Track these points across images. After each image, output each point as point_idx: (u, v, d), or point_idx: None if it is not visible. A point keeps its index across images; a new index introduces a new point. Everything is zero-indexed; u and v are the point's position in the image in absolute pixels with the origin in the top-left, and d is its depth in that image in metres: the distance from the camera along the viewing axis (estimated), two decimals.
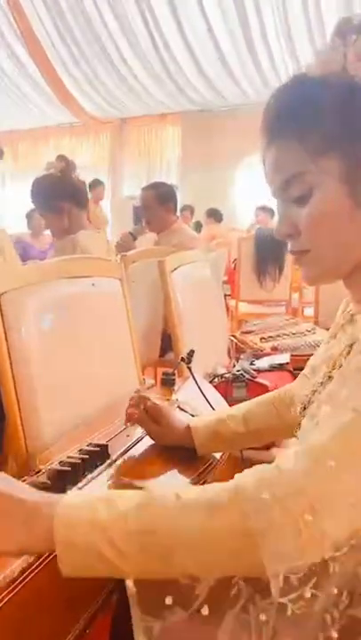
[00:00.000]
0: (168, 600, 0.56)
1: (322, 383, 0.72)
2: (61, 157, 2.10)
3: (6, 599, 0.59)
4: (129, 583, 0.56)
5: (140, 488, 0.81)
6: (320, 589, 0.56)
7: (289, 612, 0.55)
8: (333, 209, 0.65)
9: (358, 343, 0.65)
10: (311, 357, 0.84)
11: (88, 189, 3.66)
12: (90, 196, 4.33)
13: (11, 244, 2.84)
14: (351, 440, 0.56)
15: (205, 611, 0.56)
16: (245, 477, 0.58)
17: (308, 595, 0.55)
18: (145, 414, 0.98)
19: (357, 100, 0.62)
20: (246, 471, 0.59)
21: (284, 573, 0.53)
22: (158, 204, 2.93)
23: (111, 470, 0.87)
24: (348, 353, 0.67)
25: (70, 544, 0.55)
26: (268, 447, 1.29)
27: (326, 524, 0.53)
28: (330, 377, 0.71)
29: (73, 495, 0.60)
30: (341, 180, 0.63)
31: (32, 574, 0.62)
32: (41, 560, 0.63)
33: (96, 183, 6.84)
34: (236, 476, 0.59)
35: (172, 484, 0.86)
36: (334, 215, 0.65)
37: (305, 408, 0.75)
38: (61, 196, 2.05)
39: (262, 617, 0.57)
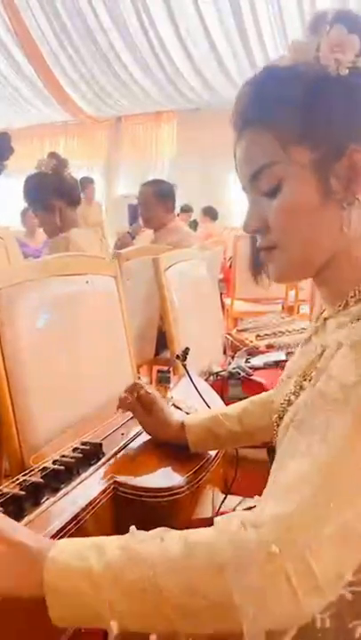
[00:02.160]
0: (153, 638, 0.55)
1: (294, 392, 0.70)
2: (53, 155, 2.10)
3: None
4: (113, 624, 0.52)
5: (135, 486, 0.81)
6: None
7: None
8: (303, 201, 0.63)
9: (324, 357, 0.63)
10: (290, 360, 0.82)
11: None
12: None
13: (15, 242, 2.83)
14: (328, 479, 0.52)
15: None
16: (224, 530, 0.54)
17: None
18: (137, 402, 0.98)
19: (329, 90, 0.61)
20: (226, 517, 0.55)
21: (271, 625, 0.50)
22: (157, 202, 2.92)
23: (105, 469, 0.86)
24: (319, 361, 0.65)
25: (58, 592, 0.52)
26: (263, 445, 1.28)
27: (316, 567, 0.49)
28: (301, 387, 0.69)
29: (64, 543, 0.57)
30: (312, 170, 0.62)
31: None
32: None
33: (85, 181, 6.53)
34: (216, 521, 0.55)
35: (166, 481, 0.85)
36: (303, 208, 0.63)
37: (280, 417, 0.73)
38: (53, 194, 2.05)
39: None
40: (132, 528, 0.57)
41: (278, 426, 0.74)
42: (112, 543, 0.55)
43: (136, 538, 0.56)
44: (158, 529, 0.57)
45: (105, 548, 0.55)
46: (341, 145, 0.61)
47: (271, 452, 0.80)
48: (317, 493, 0.51)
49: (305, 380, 0.68)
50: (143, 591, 0.51)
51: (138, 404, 0.98)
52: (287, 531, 0.50)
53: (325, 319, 0.71)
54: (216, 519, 0.56)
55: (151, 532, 0.57)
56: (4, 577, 0.54)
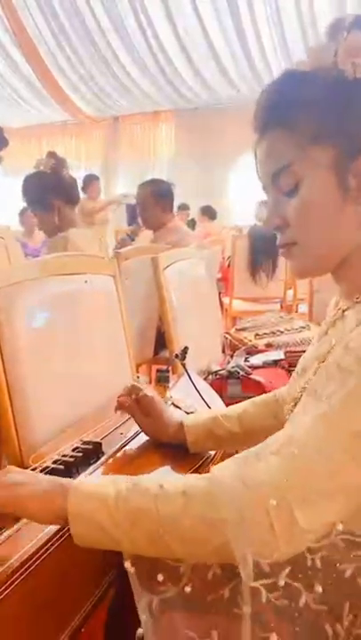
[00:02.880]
0: (160, 577, 0.60)
1: (311, 380, 0.72)
2: (51, 154, 2.10)
3: (4, 594, 0.59)
4: (127, 564, 0.60)
5: None
6: (297, 581, 0.57)
7: (264, 599, 0.56)
8: (322, 199, 0.66)
9: (342, 339, 0.65)
10: (302, 356, 0.84)
11: (82, 186, 3.58)
12: (83, 194, 4.29)
13: (15, 242, 2.84)
14: (322, 431, 0.57)
15: (188, 589, 0.59)
16: (222, 468, 0.61)
17: (281, 582, 0.56)
18: (136, 404, 0.98)
19: (346, 92, 0.64)
20: (226, 461, 0.62)
21: (253, 557, 0.55)
22: (154, 202, 2.92)
23: (105, 468, 0.86)
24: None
25: (79, 516, 0.61)
26: None
27: (298, 513, 0.54)
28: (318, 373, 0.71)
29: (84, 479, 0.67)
30: (330, 170, 0.65)
31: (29, 570, 0.62)
32: (38, 555, 0.64)
33: (90, 178, 6.50)
34: (215, 466, 0.61)
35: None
36: (323, 206, 0.66)
37: (295, 405, 0.75)
38: (51, 193, 2.05)
39: (241, 602, 0.58)
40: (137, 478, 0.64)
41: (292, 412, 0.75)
42: (123, 480, 0.63)
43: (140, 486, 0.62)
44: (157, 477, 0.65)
45: (119, 482, 0.63)
46: (358, 144, 0.64)
47: None
48: (316, 448, 0.56)
49: (323, 363, 0.70)
50: (140, 518, 0.59)
51: (136, 407, 0.98)
52: (279, 487, 0.55)
53: (344, 311, 0.72)
54: (220, 467, 0.62)
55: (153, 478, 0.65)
56: (36, 501, 0.63)
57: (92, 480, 0.67)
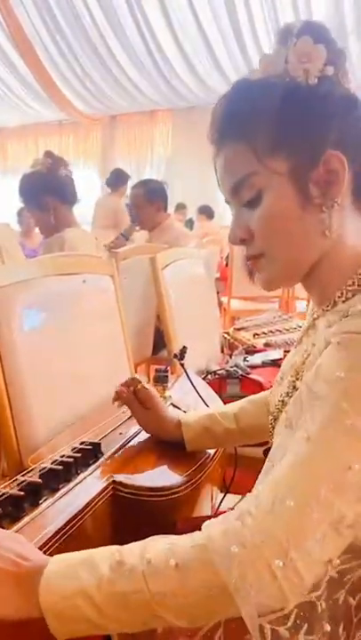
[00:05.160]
0: (159, 629, 0.57)
1: (288, 393, 0.72)
2: (48, 154, 2.11)
3: None
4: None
5: (135, 485, 0.81)
6: (315, 633, 0.55)
7: None
8: (283, 209, 0.65)
9: (312, 355, 0.65)
10: (282, 362, 0.84)
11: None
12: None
13: (16, 241, 2.84)
14: (307, 473, 0.54)
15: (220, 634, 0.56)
16: (213, 529, 0.56)
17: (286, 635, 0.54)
18: (134, 396, 0.98)
19: (300, 99, 0.63)
20: (213, 521, 0.57)
21: (269, 625, 0.53)
22: (148, 202, 2.93)
23: (104, 468, 0.86)
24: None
25: (56, 612, 0.54)
26: (262, 444, 1.28)
27: (299, 563, 0.51)
28: (295, 387, 0.71)
29: (56, 561, 0.57)
30: (290, 178, 0.64)
31: None
32: None
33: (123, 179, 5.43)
34: (204, 525, 0.57)
35: (165, 480, 0.85)
36: (284, 215, 0.65)
37: (275, 419, 0.75)
38: (46, 193, 2.05)
39: None
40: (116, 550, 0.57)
41: (274, 427, 0.74)
42: (103, 561, 0.56)
43: (123, 565, 0.55)
44: (143, 543, 0.58)
45: (98, 565, 0.55)
46: (317, 151, 0.63)
47: (268, 453, 0.80)
48: (304, 496, 0.53)
49: (297, 379, 0.70)
50: (130, 599, 0.53)
51: (134, 399, 0.98)
52: (281, 545, 0.52)
53: (315, 319, 0.72)
54: (208, 527, 0.57)
55: (136, 552, 0.56)
56: (10, 599, 0.55)
57: (62, 565, 0.57)
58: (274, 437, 0.74)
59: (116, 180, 5.30)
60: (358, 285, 0.65)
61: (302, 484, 0.54)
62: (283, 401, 0.73)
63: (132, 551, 0.56)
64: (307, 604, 0.54)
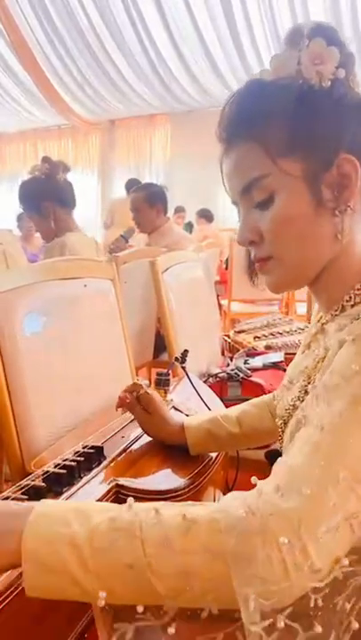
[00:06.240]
0: (140, 608, 0.52)
1: (299, 397, 0.72)
2: (46, 159, 2.12)
3: (7, 598, 0.58)
4: (100, 597, 0.50)
5: (137, 489, 0.81)
6: (298, 622, 0.52)
7: None
8: (296, 211, 0.64)
9: (327, 358, 0.64)
10: (288, 367, 0.83)
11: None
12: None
13: (18, 245, 2.85)
14: (325, 460, 0.53)
15: (172, 630, 0.51)
16: (228, 496, 0.55)
17: (281, 624, 0.50)
18: (136, 401, 0.98)
19: (314, 101, 0.63)
20: (228, 495, 0.56)
21: (257, 598, 0.49)
22: (148, 206, 2.95)
23: (107, 472, 0.86)
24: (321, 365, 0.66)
25: (38, 559, 0.50)
26: (264, 447, 1.28)
27: (311, 547, 0.49)
28: (306, 391, 0.70)
29: (44, 504, 0.55)
30: (303, 181, 0.63)
31: None
32: None
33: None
34: (220, 499, 0.56)
35: (168, 483, 0.85)
36: (297, 218, 0.64)
37: (285, 423, 0.74)
38: (45, 198, 2.07)
39: None
40: (130, 500, 0.55)
41: (283, 432, 0.74)
42: (101, 513, 0.53)
43: (130, 510, 0.54)
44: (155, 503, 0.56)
45: (91, 515, 0.53)
46: (330, 154, 0.62)
47: (271, 456, 0.80)
48: (320, 483, 0.52)
49: (309, 383, 0.69)
50: (131, 568, 0.50)
51: (137, 404, 0.98)
52: (291, 523, 0.50)
53: (323, 324, 0.72)
54: (222, 498, 0.55)
55: (143, 505, 0.55)
56: None
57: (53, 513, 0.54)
58: (284, 441, 0.74)
59: (131, 185, 5.75)
60: None
61: (319, 471, 0.52)
62: (294, 405, 0.72)
63: (140, 505, 0.54)
64: (303, 595, 0.51)
